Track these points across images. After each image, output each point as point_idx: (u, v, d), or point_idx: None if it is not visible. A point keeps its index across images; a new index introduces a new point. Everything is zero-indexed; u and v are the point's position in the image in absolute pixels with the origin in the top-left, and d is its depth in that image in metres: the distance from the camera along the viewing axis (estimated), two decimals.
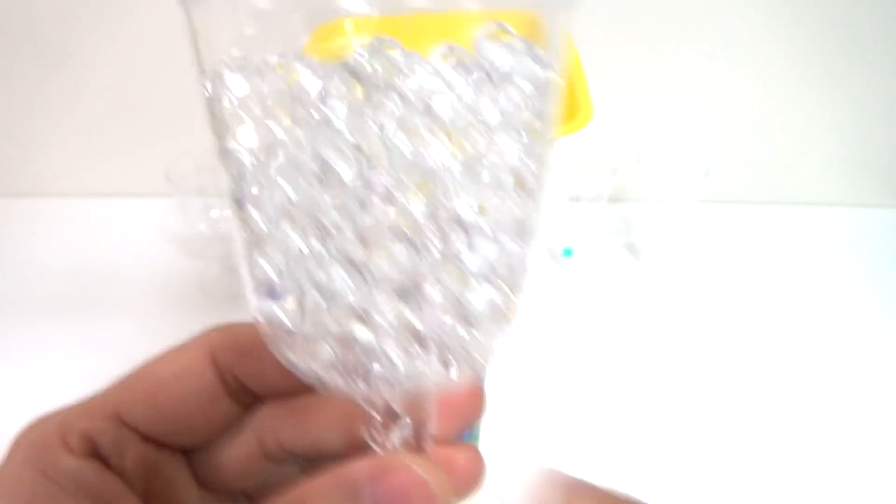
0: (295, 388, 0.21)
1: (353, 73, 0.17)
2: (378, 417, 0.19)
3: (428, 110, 0.17)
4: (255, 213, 0.18)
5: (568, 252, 0.79)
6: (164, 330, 0.72)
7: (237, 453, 0.23)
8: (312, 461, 0.22)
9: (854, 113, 0.83)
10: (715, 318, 0.74)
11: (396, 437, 0.19)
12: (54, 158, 0.90)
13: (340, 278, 0.17)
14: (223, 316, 0.82)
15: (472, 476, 0.19)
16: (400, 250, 0.17)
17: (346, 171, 0.17)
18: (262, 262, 0.18)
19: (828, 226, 0.88)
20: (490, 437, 0.60)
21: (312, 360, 0.19)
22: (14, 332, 0.72)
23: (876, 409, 0.64)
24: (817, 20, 0.74)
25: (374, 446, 0.19)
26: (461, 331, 0.18)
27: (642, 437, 0.61)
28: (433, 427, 0.19)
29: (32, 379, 0.66)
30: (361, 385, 0.18)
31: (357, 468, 0.18)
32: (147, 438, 0.22)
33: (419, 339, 0.18)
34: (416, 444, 0.19)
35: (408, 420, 0.19)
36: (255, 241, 0.18)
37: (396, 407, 0.19)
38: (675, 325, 0.73)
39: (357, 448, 0.20)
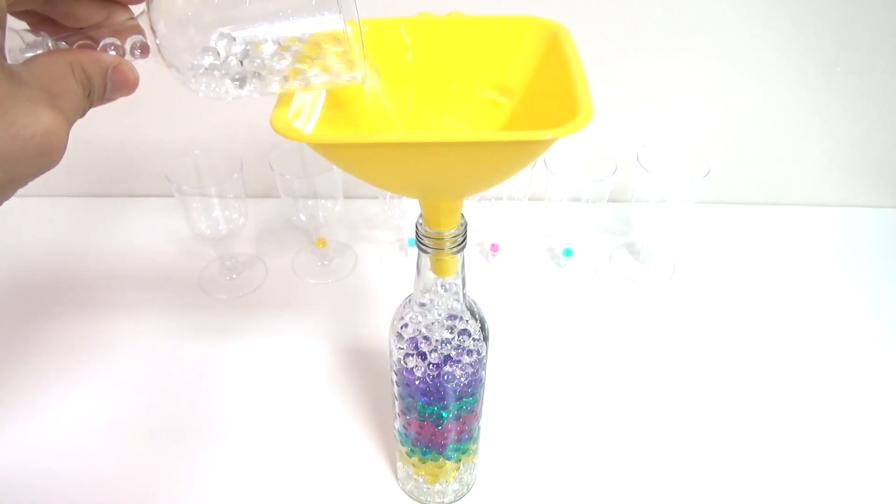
0: None
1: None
2: (138, 42, 0.34)
3: None
4: None
5: (568, 252, 0.79)
6: (164, 328, 0.72)
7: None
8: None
9: (852, 114, 0.83)
10: (714, 317, 0.74)
11: (126, 54, 0.34)
12: None
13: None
14: (223, 316, 0.82)
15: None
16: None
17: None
18: None
19: (827, 226, 0.89)
20: (488, 436, 0.61)
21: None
22: (15, 330, 0.72)
23: (875, 407, 0.64)
24: (816, 23, 0.74)
25: (111, 50, 0.34)
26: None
27: (641, 436, 0.62)
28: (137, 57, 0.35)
29: (34, 377, 0.66)
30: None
31: (107, 57, 0.33)
32: None
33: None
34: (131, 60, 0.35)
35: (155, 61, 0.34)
36: None
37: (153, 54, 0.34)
38: (675, 324, 0.73)
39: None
